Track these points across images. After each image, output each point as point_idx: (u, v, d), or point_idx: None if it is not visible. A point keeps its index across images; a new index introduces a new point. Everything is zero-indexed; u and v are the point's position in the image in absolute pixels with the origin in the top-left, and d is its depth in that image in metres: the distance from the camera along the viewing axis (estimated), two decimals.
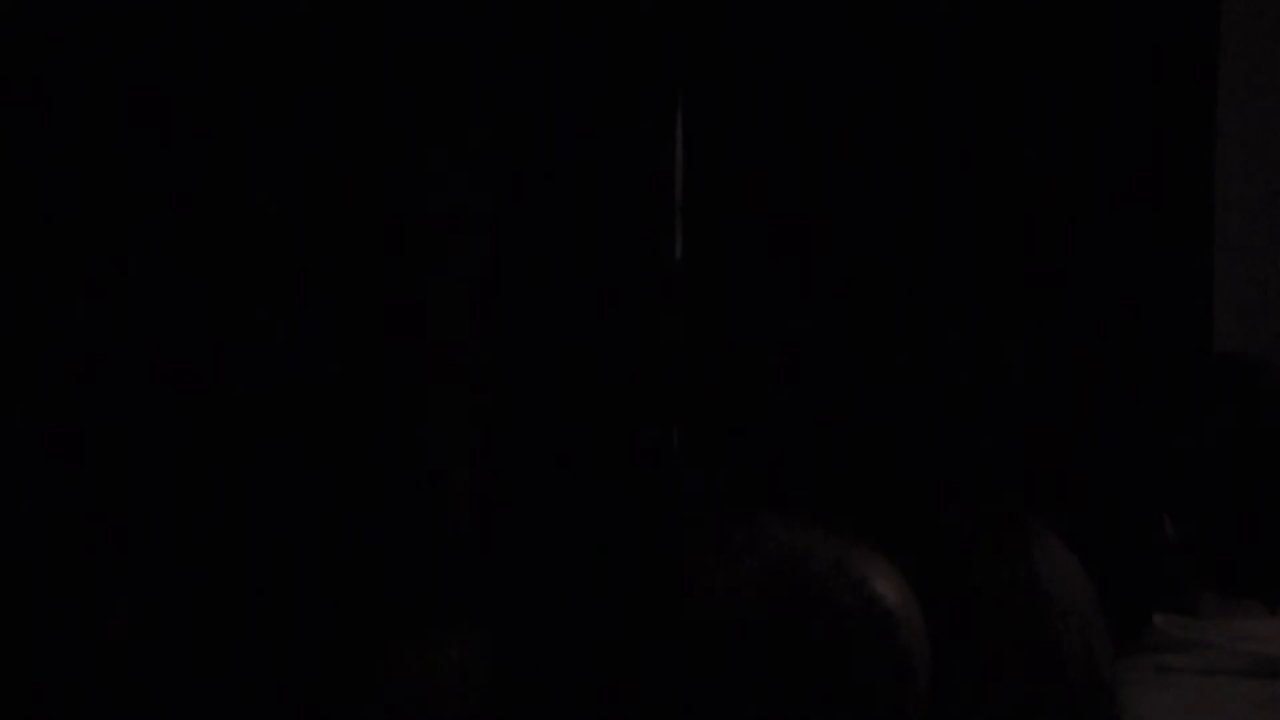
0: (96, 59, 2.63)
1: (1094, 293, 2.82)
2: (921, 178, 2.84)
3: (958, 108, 2.85)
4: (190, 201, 2.66)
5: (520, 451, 2.79)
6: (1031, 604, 1.53)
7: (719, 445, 2.85)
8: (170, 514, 2.63)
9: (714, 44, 2.87)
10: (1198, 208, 2.85)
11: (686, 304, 2.87)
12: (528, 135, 2.82)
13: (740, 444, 2.84)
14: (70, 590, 2.58)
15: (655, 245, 2.87)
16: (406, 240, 2.78)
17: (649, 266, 2.86)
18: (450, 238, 2.80)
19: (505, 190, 2.81)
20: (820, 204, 2.86)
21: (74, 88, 2.62)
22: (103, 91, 2.64)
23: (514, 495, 2.78)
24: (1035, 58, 2.83)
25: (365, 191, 2.73)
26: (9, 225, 2.63)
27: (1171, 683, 1.86)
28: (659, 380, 2.85)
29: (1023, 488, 2.54)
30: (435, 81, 2.79)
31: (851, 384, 2.83)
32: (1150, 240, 2.84)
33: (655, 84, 2.87)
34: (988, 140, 2.85)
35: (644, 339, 2.85)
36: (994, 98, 2.84)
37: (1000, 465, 2.70)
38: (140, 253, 2.65)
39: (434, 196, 2.79)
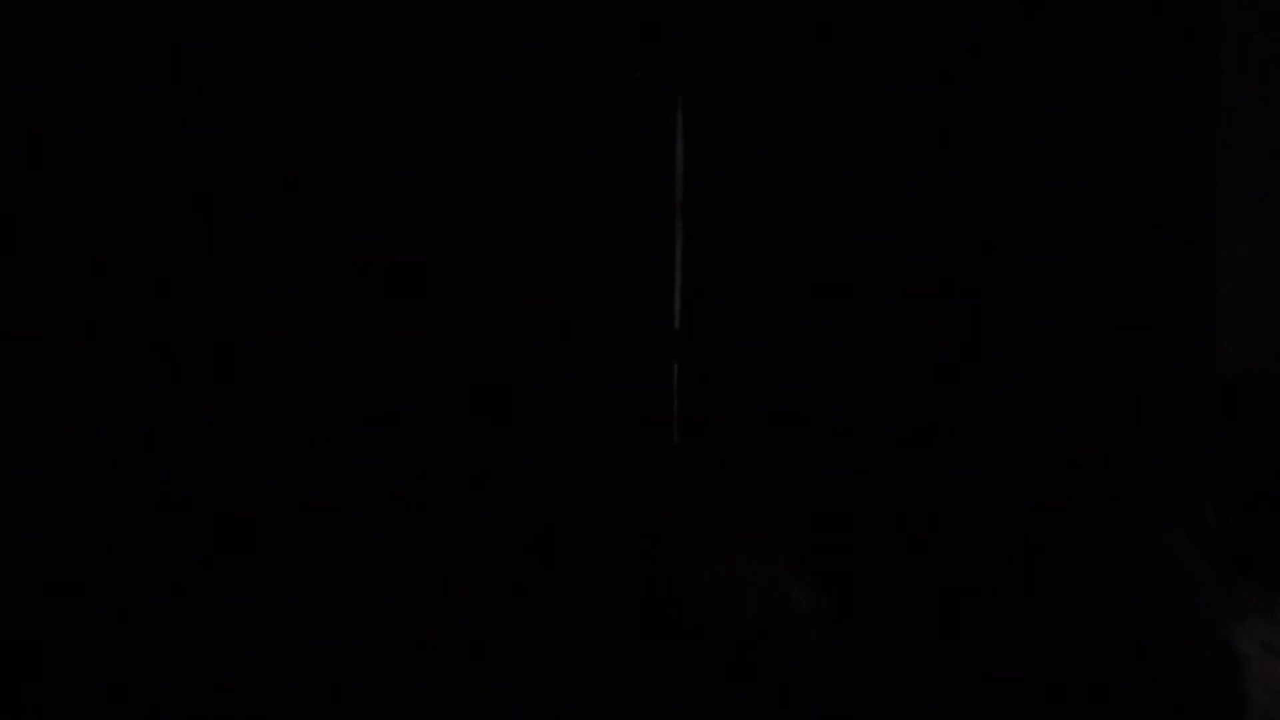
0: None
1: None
2: (921, 179, 2.86)
3: (954, 111, 2.88)
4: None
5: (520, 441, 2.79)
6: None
7: (717, 443, 2.86)
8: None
9: (714, 44, 2.88)
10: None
11: (686, 302, 2.87)
12: (529, 134, 2.81)
13: (739, 442, 2.84)
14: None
15: (655, 245, 2.87)
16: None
17: (649, 266, 2.86)
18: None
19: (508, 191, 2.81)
20: (819, 202, 2.87)
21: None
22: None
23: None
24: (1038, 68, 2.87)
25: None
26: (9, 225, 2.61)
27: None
28: (657, 377, 2.85)
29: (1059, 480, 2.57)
30: (436, 81, 2.78)
31: (851, 383, 2.84)
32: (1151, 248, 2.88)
33: (655, 84, 2.87)
34: (986, 143, 2.88)
35: (643, 335, 2.85)
36: (993, 106, 2.87)
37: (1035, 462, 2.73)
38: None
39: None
